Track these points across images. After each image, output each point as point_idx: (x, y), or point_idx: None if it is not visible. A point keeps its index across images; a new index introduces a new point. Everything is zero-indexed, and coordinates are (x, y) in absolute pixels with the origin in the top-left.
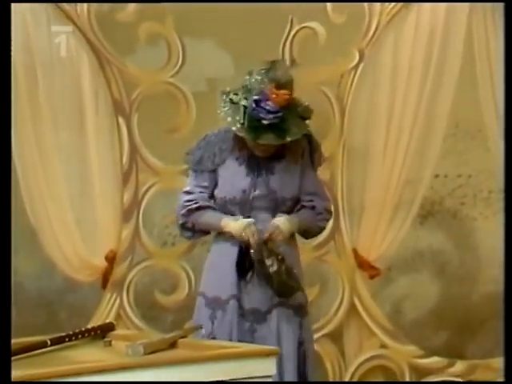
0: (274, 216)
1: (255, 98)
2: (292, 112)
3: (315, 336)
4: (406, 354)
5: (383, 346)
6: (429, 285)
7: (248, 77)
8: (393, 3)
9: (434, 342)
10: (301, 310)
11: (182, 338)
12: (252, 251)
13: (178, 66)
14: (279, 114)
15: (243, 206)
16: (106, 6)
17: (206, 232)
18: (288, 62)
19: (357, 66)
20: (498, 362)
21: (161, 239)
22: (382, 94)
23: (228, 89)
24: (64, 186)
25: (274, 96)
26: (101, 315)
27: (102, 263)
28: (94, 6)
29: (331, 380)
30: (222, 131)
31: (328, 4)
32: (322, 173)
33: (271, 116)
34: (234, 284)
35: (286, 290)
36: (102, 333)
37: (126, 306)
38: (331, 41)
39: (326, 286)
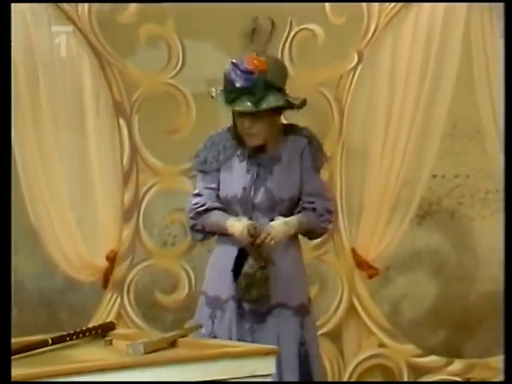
0: (271, 216)
1: (233, 61)
2: (270, 82)
3: None
4: (404, 353)
5: (382, 345)
6: (427, 284)
7: None
8: (392, 4)
9: (432, 341)
10: (302, 310)
11: (182, 337)
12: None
13: (178, 68)
14: (253, 76)
15: (245, 205)
16: (106, 7)
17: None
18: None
19: (355, 68)
20: (496, 361)
21: (161, 239)
22: (381, 95)
23: None
24: (65, 186)
25: (249, 58)
26: (101, 315)
27: (102, 263)
28: (95, 7)
29: (330, 379)
30: (224, 130)
31: (327, 6)
32: (321, 173)
33: (245, 77)
34: (234, 284)
35: (251, 295)
36: (103, 332)
37: (126, 305)
38: (330, 42)
39: (324, 285)
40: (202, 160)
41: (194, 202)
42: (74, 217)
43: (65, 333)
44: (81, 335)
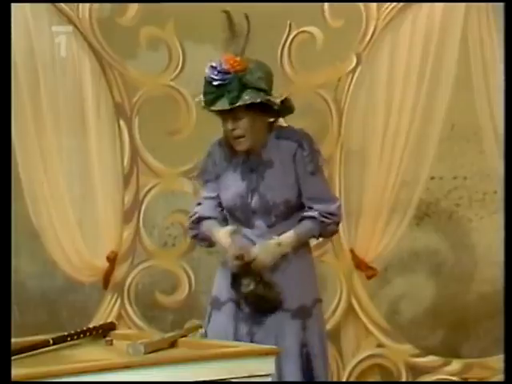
0: (269, 220)
1: (212, 63)
2: (247, 81)
3: None
4: (402, 353)
5: (380, 345)
6: (425, 285)
7: None
8: (390, 7)
9: (430, 341)
10: (303, 312)
11: (183, 337)
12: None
13: (178, 70)
14: (229, 76)
15: (245, 212)
16: (107, 10)
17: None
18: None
19: (354, 70)
20: (494, 361)
21: (161, 240)
22: (379, 97)
23: None
24: (66, 187)
25: (226, 58)
26: (102, 315)
27: (103, 264)
28: (96, 10)
29: (329, 379)
30: (216, 142)
31: (326, 9)
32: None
33: (221, 76)
34: (231, 285)
35: (265, 305)
36: (104, 332)
37: (126, 305)
38: (329, 45)
39: (324, 286)
40: (202, 170)
41: (192, 212)
42: (75, 218)
43: (66, 333)
44: (81, 335)
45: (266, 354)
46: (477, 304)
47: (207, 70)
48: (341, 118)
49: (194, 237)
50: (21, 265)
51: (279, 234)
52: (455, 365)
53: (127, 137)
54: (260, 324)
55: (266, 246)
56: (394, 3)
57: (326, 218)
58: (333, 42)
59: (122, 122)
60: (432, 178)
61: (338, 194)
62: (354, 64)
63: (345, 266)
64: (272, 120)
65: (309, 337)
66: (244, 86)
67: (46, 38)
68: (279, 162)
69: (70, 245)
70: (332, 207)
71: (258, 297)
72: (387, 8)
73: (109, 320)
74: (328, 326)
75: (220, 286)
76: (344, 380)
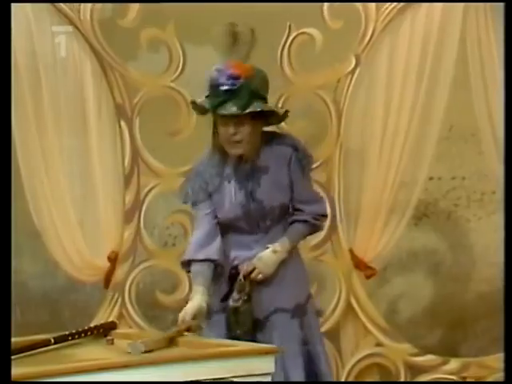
0: (264, 224)
1: (217, 67)
2: (255, 89)
3: None
4: (401, 352)
5: (379, 344)
6: (423, 284)
7: None
8: (388, 9)
9: (429, 341)
10: (299, 310)
11: (182, 335)
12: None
13: (178, 71)
14: (239, 81)
15: (248, 220)
16: (108, 11)
17: None
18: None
19: (353, 71)
20: (491, 360)
21: (162, 240)
22: (378, 98)
23: None
24: (67, 187)
25: (235, 64)
26: (103, 314)
27: (104, 263)
28: (97, 11)
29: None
30: (205, 158)
31: (325, 10)
32: (319, 175)
33: (231, 82)
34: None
35: (237, 327)
36: (105, 331)
37: (127, 305)
38: (328, 46)
39: (323, 285)
40: (188, 193)
41: (191, 240)
42: (76, 218)
43: (67, 332)
44: (82, 335)
45: (266, 352)
46: (475, 303)
47: (214, 74)
48: (340, 119)
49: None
50: (23, 265)
51: (273, 238)
52: (453, 364)
53: (128, 137)
54: (261, 328)
55: (263, 256)
56: (393, 4)
57: (317, 220)
58: (332, 43)
59: (122, 123)
60: (430, 179)
61: (336, 194)
62: (353, 65)
63: (344, 266)
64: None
65: (308, 335)
66: (252, 93)
67: (47, 39)
68: (274, 166)
69: (71, 245)
70: (322, 208)
71: (235, 318)
72: (386, 9)
73: (110, 319)
74: (327, 326)
75: (212, 295)
76: (343, 379)
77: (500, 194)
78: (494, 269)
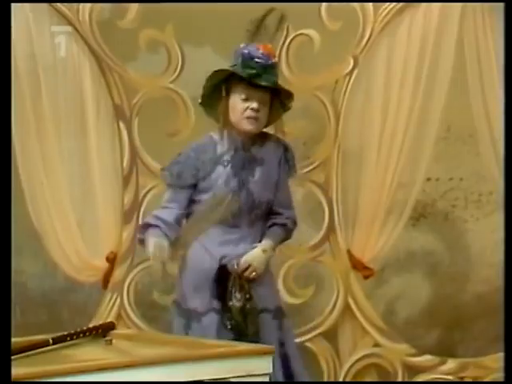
0: (250, 218)
1: (247, 48)
2: (278, 73)
3: (310, 335)
4: (398, 352)
5: (376, 344)
6: (421, 285)
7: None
8: (386, 10)
9: (426, 341)
10: (279, 312)
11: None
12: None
13: (177, 72)
14: (271, 59)
15: (234, 208)
16: (107, 12)
17: None
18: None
19: (351, 72)
20: (489, 360)
21: None
22: (376, 99)
23: None
24: (66, 188)
25: (264, 46)
26: (102, 315)
27: (103, 264)
28: (96, 12)
29: (326, 378)
30: (199, 144)
31: (323, 11)
32: (317, 176)
33: (265, 58)
34: (214, 296)
35: (241, 329)
36: (103, 332)
37: (126, 305)
38: (326, 47)
39: (321, 286)
40: (175, 174)
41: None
42: (75, 218)
43: (65, 333)
44: (81, 335)
45: (264, 353)
46: (472, 304)
47: (246, 49)
48: (338, 120)
49: (141, 242)
50: (22, 266)
51: (255, 235)
52: (451, 364)
53: (127, 138)
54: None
55: (255, 254)
56: (391, 6)
57: (293, 225)
58: (330, 44)
59: (121, 124)
60: (428, 180)
61: (334, 195)
62: (351, 66)
63: (342, 266)
64: None
65: (285, 336)
66: (278, 74)
67: (46, 40)
68: (268, 160)
69: (70, 245)
70: (295, 215)
71: (242, 318)
72: (384, 11)
73: (108, 320)
74: (325, 326)
75: (194, 296)
76: (341, 380)
77: (497, 195)
78: (492, 269)
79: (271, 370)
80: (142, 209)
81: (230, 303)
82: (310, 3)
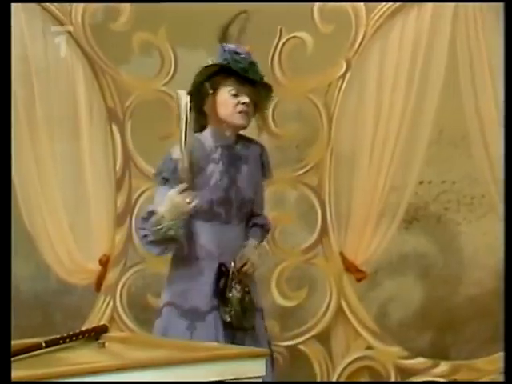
0: (241, 216)
1: (232, 46)
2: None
3: (304, 337)
4: (391, 354)
5: (369, 347)
6: (414, 287)
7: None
8: (379, 13)
9: (419, 343)
10: (262, 313)
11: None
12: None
13: (170, 75)
14: (251, 57)
15: (227, 206)
16: (100, 15)
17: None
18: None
19: (344, 75)
20: (482, 363)
21: None
22: (368, 102)
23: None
24: (59, 191)
25: (241, 47)
26: (95, 317)
27: (95, 267)
28: (89, 15)
29: (319, 380)
30: (189, 142)
31: (316, 14)
32: (310, 179)
33: (247, 54)
34: (215, 294)
35: (240, 321)
36: (96, 335)
37: (119, 308)
38: (319, 50)
39: (314, 288)
40: (171, 169)
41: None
42: (68, 221)
43: (58, 336)
44: (74, 338)
45: (257, 355)
46: (465, 306)
47: (229, 46)
48: (331, 123)
49: (144, 237)
50: (15, 268)
51: (244, 235)
52: (443, 366)
53: (119, 141)
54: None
55: (251, 250)
56: (384, 9)
57: (269, 228)
58: (323, 47)
59: (114, 127)
60: (421, 182)
61: (327, 198)
62: (343, 69)
63: (334, 269)
64: None
65: (268, 337)
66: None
67: (39, 42)
68: (251, 160)
69: (63, 248)
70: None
71: (240, 308)
72: (376, 14)
73: (101, 323)
74: (318, 328)
75: (194, 295)
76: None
77: (490, 198)
78: (484, 271)
79: (264, 373)
80: (135, 212)
81: (230, 294)
82: (302, 4)
